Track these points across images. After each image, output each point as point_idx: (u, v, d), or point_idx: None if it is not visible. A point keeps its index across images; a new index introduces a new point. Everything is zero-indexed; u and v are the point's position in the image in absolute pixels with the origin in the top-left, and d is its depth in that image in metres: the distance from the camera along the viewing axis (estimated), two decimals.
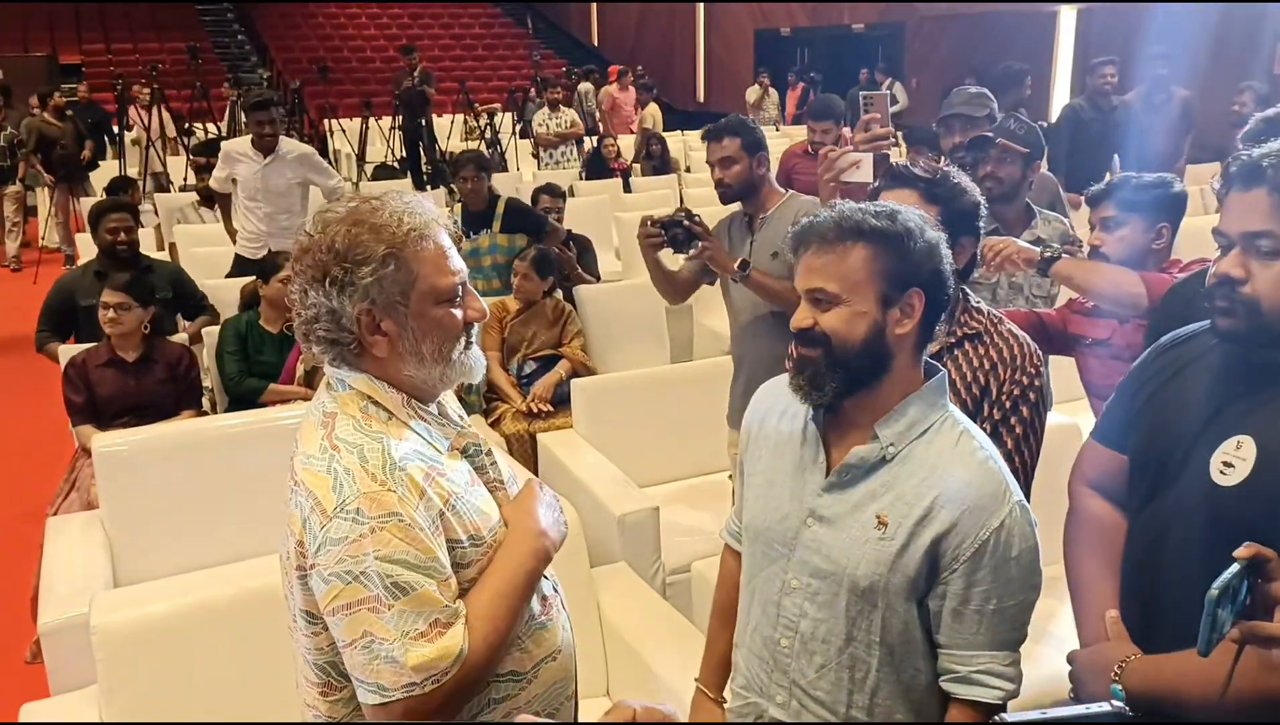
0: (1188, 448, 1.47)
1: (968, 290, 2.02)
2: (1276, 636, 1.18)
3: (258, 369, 3.99)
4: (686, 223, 2.90)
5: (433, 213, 1.44)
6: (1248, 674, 1.24)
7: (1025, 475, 1.89)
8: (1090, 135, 6.35)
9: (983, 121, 2.95)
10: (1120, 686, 1.44)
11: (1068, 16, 11.90)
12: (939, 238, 1.51)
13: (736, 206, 3.16)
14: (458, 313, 1.45)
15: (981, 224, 1.97)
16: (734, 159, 3.01)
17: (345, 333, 1.40)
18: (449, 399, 1.57)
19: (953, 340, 1.95)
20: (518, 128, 11.24)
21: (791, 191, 3.15)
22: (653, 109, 11.28)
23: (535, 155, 9.86)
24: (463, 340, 1.46)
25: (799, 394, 1.53)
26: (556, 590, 1.59)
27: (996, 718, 1.03)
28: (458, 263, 1.46)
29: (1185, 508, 1.45)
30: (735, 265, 2.90)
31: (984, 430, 1.74)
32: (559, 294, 4.56)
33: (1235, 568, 1.18)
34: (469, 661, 1.35)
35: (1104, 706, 1.04)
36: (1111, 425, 1.68)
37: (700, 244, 2.90)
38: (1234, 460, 1.39)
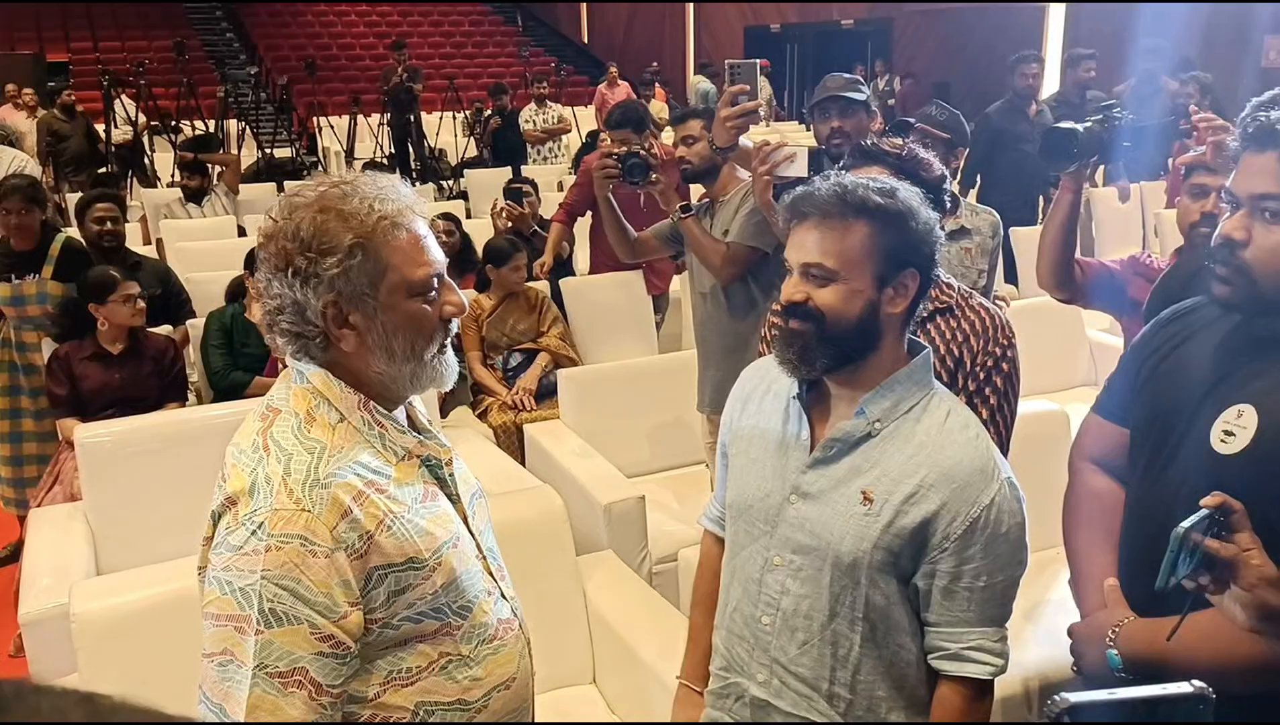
0: (1189, 417, 1.46)
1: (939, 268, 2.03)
2: (1225, 581, 1.21)
3: (243, 362, 3.97)
4: (643, 153, 2.95)
5: (408, 199, 1.36)
6: (1235, 639, 1.25)
7: (1002, 444, 1.90)
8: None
9: (860, 107, 2.92)
10: (1116, 652, 1.44)
11: (1056, 11, 11.92)
12: (935, 218, 1.51)
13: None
14: (432, 309, 1.36)
15: (947, 199, 1.98)
16: (696, 137, 3.06)
17: (310, 326, 1.32)
18: (420, 404, 1.49)
19: (924, 314, 1.95)
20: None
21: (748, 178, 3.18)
22: (656, 106, 11.24)
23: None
24: (438, 340, 1.37)
25: (787, 368, 1.52)
26: (516, 614, 1.48)
27: (1058, 697, 1.00)
28: (436, 254, 1.36)
29: (1186, 477, 1.44)
30: (678, 206, 2.98)
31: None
32: (544, 287, 4.55)
33: (1202, 513, 1.20)
34: None
35: (1183, 687, 1.00)
36: (1113, 399, 1.68)
37: (654, 176, 2.95)
38: (1235, 428, 1.39)
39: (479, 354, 4.33)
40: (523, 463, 3.74)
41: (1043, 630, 2.64)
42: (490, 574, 1.46)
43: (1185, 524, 1.19)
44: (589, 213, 4.96)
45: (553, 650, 2.39)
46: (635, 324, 4.81)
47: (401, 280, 1.32)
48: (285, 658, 1.22)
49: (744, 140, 2.74)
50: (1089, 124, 2.31)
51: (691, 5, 17.75)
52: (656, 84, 12.63)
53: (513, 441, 3.99)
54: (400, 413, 1.41)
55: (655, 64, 14.54)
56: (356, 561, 1.25)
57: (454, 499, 1.43)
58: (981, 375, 1.91)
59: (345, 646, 1.25)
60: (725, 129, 2.65)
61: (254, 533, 1.23)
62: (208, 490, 1.36)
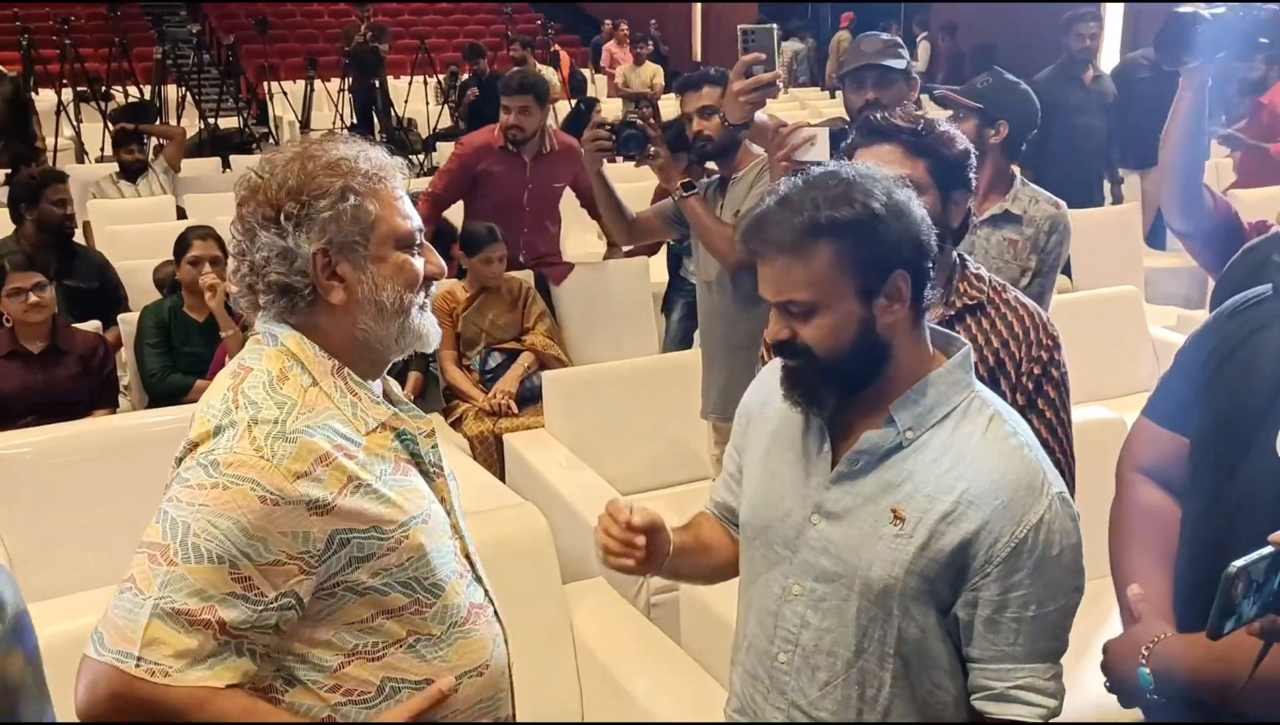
0: (1256, 424, 1.47)
1: (964, 255, 2.03)
2: None
3: (183, 362, 3.99)
4: (640, 123, 2.96)
5: (386, 159, 1.52)
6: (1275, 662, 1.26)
7: (1065, 468, 1.89)
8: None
9: (898, 76, 2.91)
10: (1148, 670, 1.46)
11: None
12: (906, 197, 1.48)
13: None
14: (418, 262, 1.52)
15: (974, 175, 1.95)
16: (714, 109, 3.04)
17: (299, 276, 1.45)
18: (395, 387, 1.63)
19: (952, 312, 1.95)
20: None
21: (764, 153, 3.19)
22: (650, 69, 11.27)
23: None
24: (421, 295, 1.53)
25: (798, 408, 1.55)
26: (491, 601, 1.64)
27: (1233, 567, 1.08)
28: (414, 211, 1.54)
29: (1253, 491, 1.45)
30: (679, 184, 3.00)
31: None
32: (527, 277, 4.56)
33: (1267, 551, 1.19)
34: (196, 701, 1.35)
35: None
36: (1169, 402, 1.68)
37: (652, 148, 2.97)
38: None
39: (453, 353, 4.34)
40: (502, 477, 3.76)
41: (1089, 669, 2.64)
42: (466, 557, 1.60)
43: (1240, 563, 1.17)
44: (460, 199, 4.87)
45: (534, 688, 2.40)
46: (633, 318, 4.83)
47: (389, 230, 1.49)
48: (196, 595, 1.34)
49: (760, 115, 2.75)
50: (1219, 9, 2.20)
51: None
52: (652, 43, 12.62)
53: (491, 453, 4.00)
54: (376, 384, 1.56)
55: (654, 21, 14.53)
56: (318, 518, 1.39)
57: (429, 476, 1.57)
58: (1030, 386, 1.91)
59: (260, 593, 1.37)
60: (738, 104, 2.66)
61: (207, 469, 1.38)
62: (144, 509, 1.44)
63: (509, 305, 4.43)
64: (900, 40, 3.00)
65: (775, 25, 2.68)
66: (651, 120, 3.06)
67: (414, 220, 1.53)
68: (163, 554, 1.35)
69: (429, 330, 1.56)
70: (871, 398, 1.52)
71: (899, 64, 2.89)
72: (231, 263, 1.52)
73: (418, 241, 1.53)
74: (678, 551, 1.67)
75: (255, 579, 1.37)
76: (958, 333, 1.91)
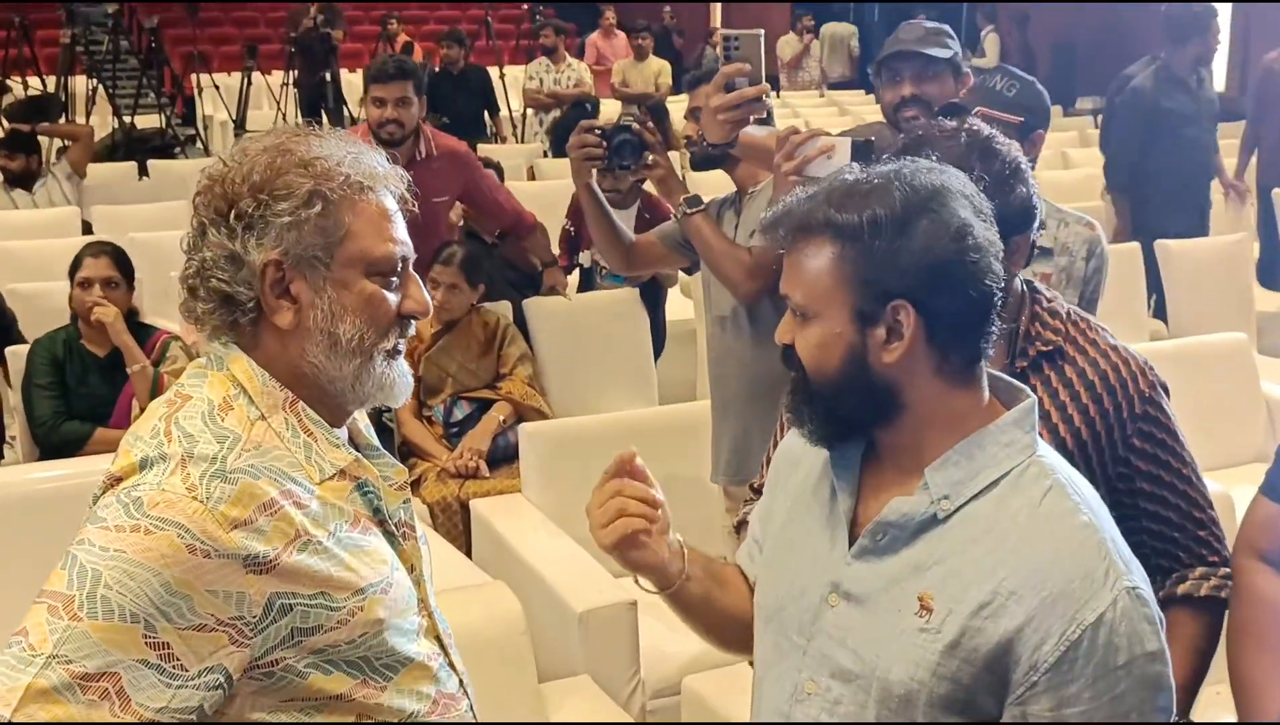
0: None
1: (1038, 286, 2.01)
2: None
3: (80, 407, 3.99)
4: (636, 127, 2.97)
5: (384, 169, 1.53)
6: None
7: (1218, 558, 1.88)
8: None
9: (944, 67, 2.91)
10: None
11: None
12: (947, 218, 1.44)
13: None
14: (392, 297, 1.52)
15: (1038, 208, 1.93)
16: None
17: (243, 288, 1.46)
18: (365, 420, 1.64)
19: (1025, 363, 1.94)
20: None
21: None
22: (655, 65, 11.34)
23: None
24: (391, 338, 1.53)
25: (792, 425, 1.58)
26: (467, 694, 1.65)
27: None
28: (404, 237, 1.54)
29: None
30: (683, 199, 3.00)
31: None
32: (505, 310, 4.56)
33: None
34: None
35: None
36: None
37: (650, 157, 2.98)
38: None
39: (412, 402, 4.34)
40: (467, 551, 3.74)
41: None
42: (438, 639, 1.60)
43: None
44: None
45: None
46: (628, 362, 4.83)
47: (361, 252, 1.49)
48: (98, 656, 1.31)
49: (752, 129, 2.75)
50: None
51: None
52: (675, 36, 12.73)
53: (455, 522, 4.00)
54: (343, 433, 1.57)
55: (669, 8, 14.67)
56: (254, 577, 1.38)
57: (396, 538, 1.57)
58: (1131, 455, 1.89)
59: (179, 665, 1.35)
60: (718, 121, 2.66)
61: (127, 507, 1.37)
62: (31, 580, 1.43)
63: (481, 345, 4.43)
64: (948, 28, 3.01)
65: (762, 31, 2.69)
66: (651, 126, 3.05)
67: (398, 246, 1.52)
68: (65, 606, 1.32)
69: (396, 382, 1.55)
70: (908, 454, 1.52)
71: (944, 53, 2.89)
72: (183, 271, 1.52)
73: (397, 271, 1.53)
74: (690, 562, 1.68)
75: (175, 646, 1.35)
76: (1034, 385, 1.88)
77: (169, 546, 1.34)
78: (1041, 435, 1.86)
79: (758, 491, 2.14)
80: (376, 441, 1.65)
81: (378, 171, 1.52)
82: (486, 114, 9.79)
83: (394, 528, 1.58)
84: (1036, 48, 13.91)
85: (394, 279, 1.52)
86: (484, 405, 4.36)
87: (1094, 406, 1.91)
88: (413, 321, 1.56)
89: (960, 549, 1.46)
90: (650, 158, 3.00)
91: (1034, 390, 1.87)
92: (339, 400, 1.54)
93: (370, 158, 1.52)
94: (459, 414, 4.35)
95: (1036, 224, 1.95)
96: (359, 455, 1.56)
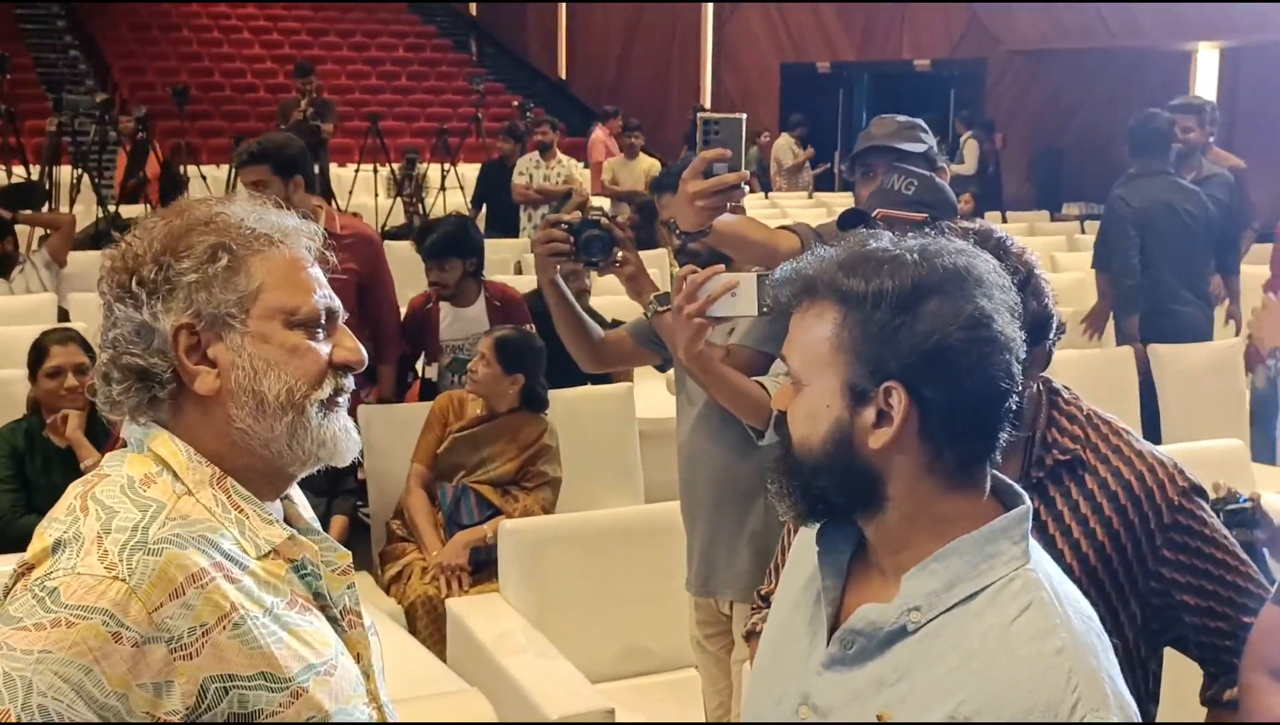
0: None
1: (1056, 385, 1.96)
2: None
3: (41, 500, 3.94)
4: (605, 222, 2.92)
5: (292, 224, 1.48)
6: None
7: None
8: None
9: (918, 160, 2.89)
10: None
11: (1207, 56, 12.28)
12: (961, 304, 1.37)
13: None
14: (322, 348, 1.46)
15: (1055, 312, 1.87)
16: None
17: (158, 360, 1.40)
18: (301, 498, 1.57)
19: (1041, 473, 1.87)
20: (446, 177, 11.44)
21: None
22: (645, 163, 11.47)
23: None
24: (325, 388, 1.45)
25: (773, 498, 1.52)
26: None
27: None
28: (325, 289, 1.48)
29: None
30: (653, 296, 2.91)
31: (1124, 641, 1.72)
32: (546, 415, 4.42)
33: None
34: None
35: None
36: None
37: (619, 252, 2.91)
38: None
39: (424, 471, 4.28)
40: (443, 656, 3.67)
41: None
42: None
43: None
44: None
45: None
46: (611, 459, 4.80)
47: (278, 304, 1.43)
48: None
49: (728, 219, 2.64)
50: None
51: (710, 34, 18.29)
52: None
53: (433, 624, 3.95)
54: (275, 506, 1.49)
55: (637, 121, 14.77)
56: (183, 662, 1.31)
57: (341, 625, 1.49)
58: (1167, 569, 1.82)
59: None
60: (694, 209, 2.53)
61: (41, 601, 1.29)
62: None
63: (515, 451, 4.32)
64: (921, 122, 3.00)
65: (744, 115, 2.64)
66: (620, 221, 3.00)
67: (319, 297, 1.46)
68: (4, 720, 1.25)
69: (339, 437, 1.48)
70: (890, 552, 1.45)
71: (918, 147, 2.90)
72: (98, 355, 1.46)
73: (321, 322, 1.46)
74: None
75: None
76: (1052, 499, 1.84)
77: (95, 637, 1.27)
78: (1062, 551, 1.80)
79: (766, 599, 2.09)
80: (318, 525, 1.56)
81: (287, 226, 1.47)
82: None
83: (338, 614, 1.49)
84: (1024, 154, 14.13)
85: (319, 331, 1.46)
86: (488, 509, 4.26)
87: (1118, 518, 1.84)
88: (349, 372, 1.49)
89: (926, 665, 1.39)
90: (620, 254, 2.94)
91: (1053, 502, 1.83)
92: (276, 464, 1.46)
93: (278, 215, 1.48)
94: (464, 508, 4.27)
95: (1054, 331, 1.88)
96: (294, 531, 1.47)
